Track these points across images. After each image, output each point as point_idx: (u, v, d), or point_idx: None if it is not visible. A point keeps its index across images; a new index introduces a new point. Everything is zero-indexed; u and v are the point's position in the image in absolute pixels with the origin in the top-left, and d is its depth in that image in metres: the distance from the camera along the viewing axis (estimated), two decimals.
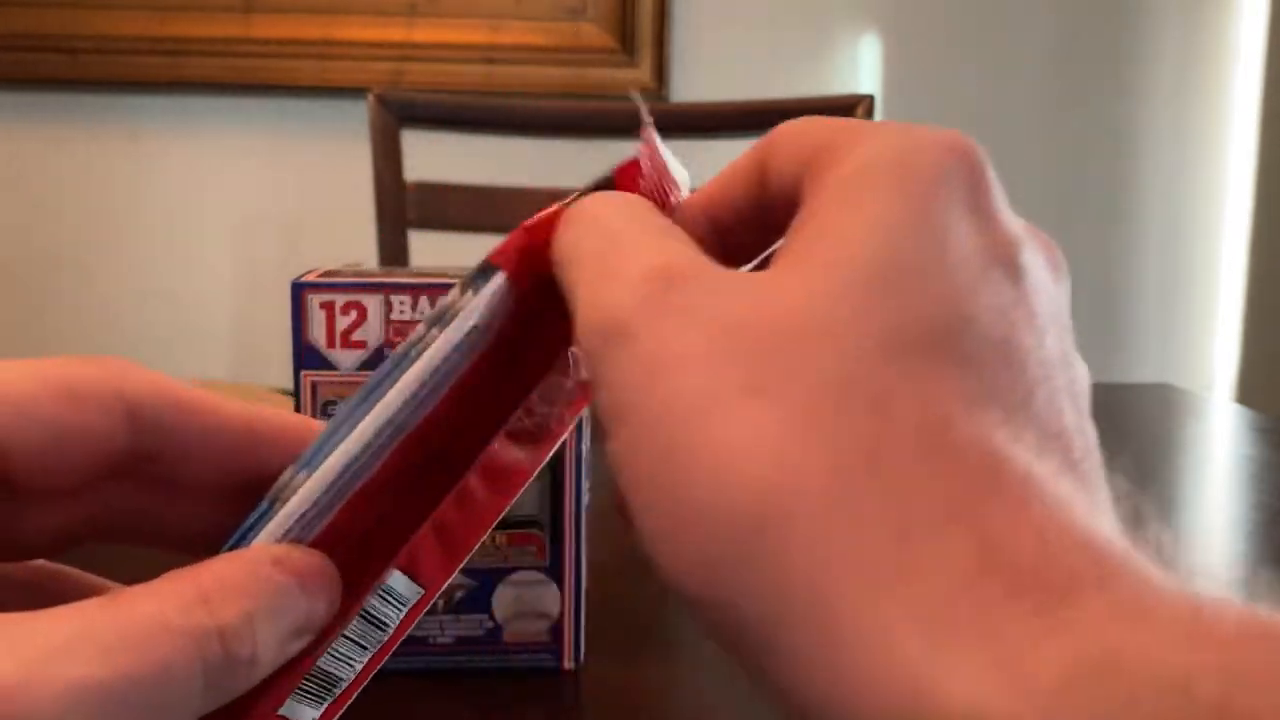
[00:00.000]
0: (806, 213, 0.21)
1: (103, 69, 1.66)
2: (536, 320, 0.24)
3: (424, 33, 1.66)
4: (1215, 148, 1.77)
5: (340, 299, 0.43)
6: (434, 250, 1.15)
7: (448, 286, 0.29)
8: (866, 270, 0.19)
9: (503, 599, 0.45)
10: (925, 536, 0.16)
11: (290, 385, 0.45)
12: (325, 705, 0.24)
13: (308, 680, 0.24)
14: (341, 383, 0.44)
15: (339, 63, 1.66)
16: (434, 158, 1.26)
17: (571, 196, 0.24)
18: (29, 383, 0.22)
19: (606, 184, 0.24)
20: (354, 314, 0.43)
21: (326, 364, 0.44)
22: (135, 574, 0.21)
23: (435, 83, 1.64)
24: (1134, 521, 0.18)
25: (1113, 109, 1.73)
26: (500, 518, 0.26)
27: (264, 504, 0.23)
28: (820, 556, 0.16)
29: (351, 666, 0.25)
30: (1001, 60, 1.72)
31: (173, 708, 0.19)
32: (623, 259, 0.21)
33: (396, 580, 0.25)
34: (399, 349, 0.23)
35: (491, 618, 0.45)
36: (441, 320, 0.23)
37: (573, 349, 0.25)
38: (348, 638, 0.24)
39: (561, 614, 0.45)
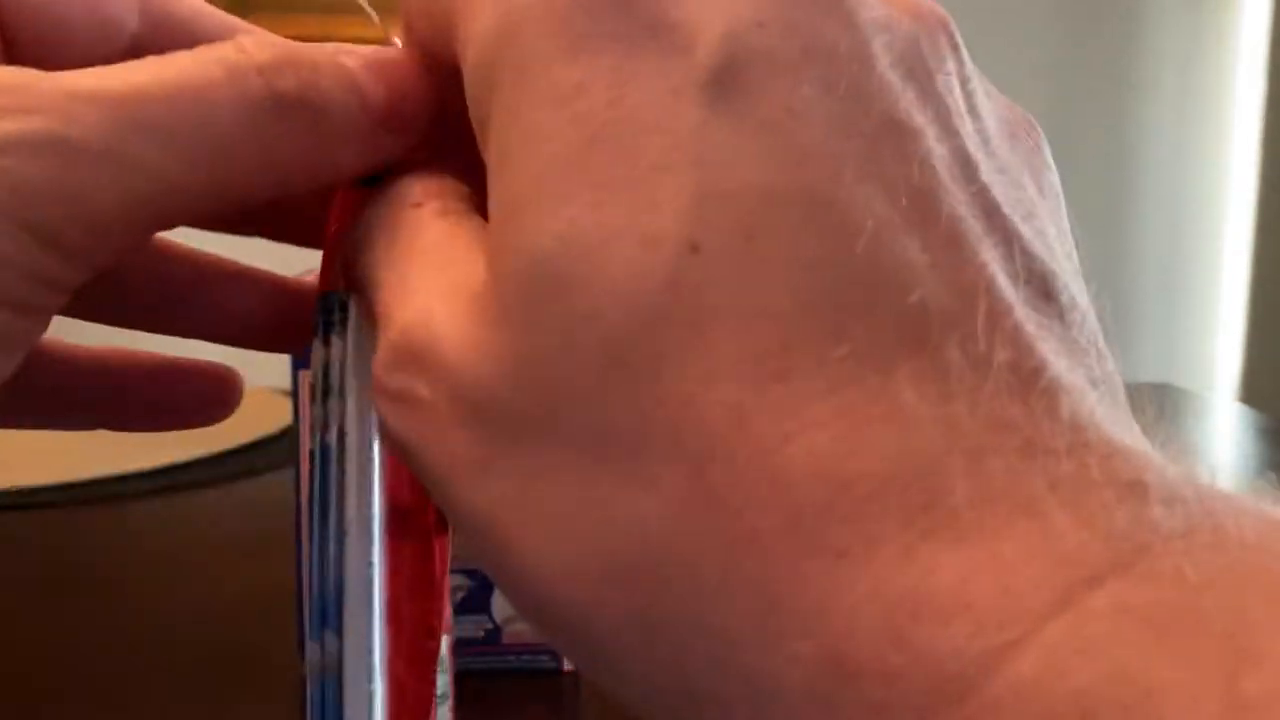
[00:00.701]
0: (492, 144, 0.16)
1: None
2: None
3: None
4: (1217, 146, 1.77)
5: None
6: None
7: None
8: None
9: (502, 600, 0.45)
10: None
11: (289, 386, 0.45)
12: None
13: None
14: None
15: None
16: None
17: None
18: None
19: None
20: None
21: None
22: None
23: None
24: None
25: (1114, 108, 1.73)
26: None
27: (315, 690, 0.19)
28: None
29: None
30: (1002, 60, 1.71)
31: (225, 135, 0.18)
32: (388, 309, 0.17)
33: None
34: (313, 443, 0.20)
35: (491, 619, 0.45)
36: (334, 390, 0.20)
37: None
38: None
39: None
